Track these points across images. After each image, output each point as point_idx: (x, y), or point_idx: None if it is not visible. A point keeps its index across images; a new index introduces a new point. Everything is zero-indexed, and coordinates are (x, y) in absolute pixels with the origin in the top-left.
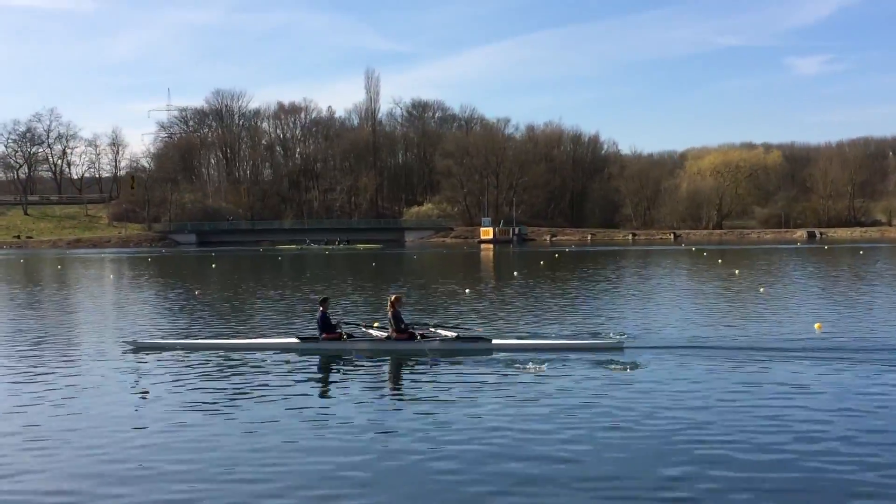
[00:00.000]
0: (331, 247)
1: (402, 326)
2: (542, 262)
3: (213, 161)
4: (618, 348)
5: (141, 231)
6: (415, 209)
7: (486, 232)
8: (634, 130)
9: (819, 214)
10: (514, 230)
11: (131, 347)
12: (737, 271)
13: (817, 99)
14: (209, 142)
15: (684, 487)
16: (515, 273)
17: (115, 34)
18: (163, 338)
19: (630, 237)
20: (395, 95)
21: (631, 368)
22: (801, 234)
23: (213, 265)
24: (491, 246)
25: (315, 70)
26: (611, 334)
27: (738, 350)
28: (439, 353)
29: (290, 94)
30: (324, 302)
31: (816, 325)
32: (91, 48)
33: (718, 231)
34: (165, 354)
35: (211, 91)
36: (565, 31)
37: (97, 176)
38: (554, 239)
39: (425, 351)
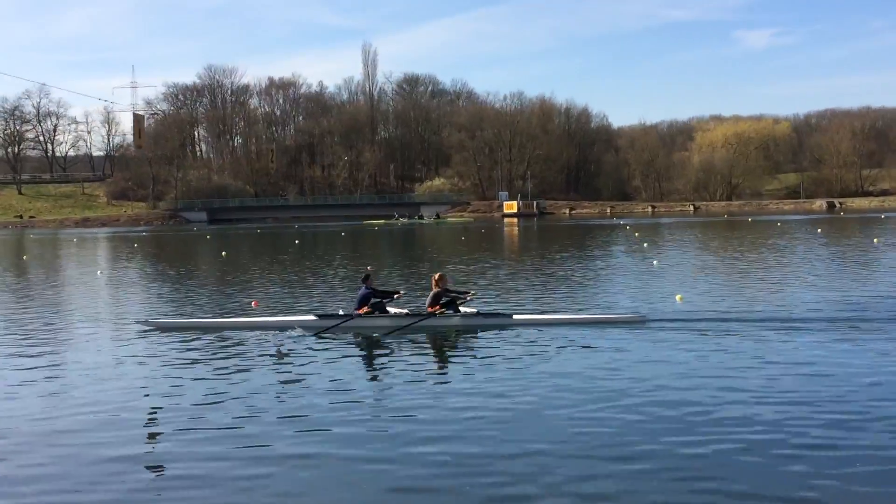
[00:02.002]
0: (423, 221)
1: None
2: (589, 235)
3: (210, 138)
4: (640, 322)
5: (146, 209)
6: (427, 184)
7: (510, 206)
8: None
9: (832, 185)
10: (538, 203)
11: (146, 327)
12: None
13: (767, 72)
14: (203, 118)
15: (714, 461)
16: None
17: (62, 10)
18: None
19: (650, 209)
20: (384, 70)
21: (654, 342)
22: (820, 204)
23: (297, 242)
24: (515, 220)
25: (269, 46)
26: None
27: (767, 322)
28: (459, 329)
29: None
30: (367, 278)
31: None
32: (37, 24)
33: (737, 202)
34: (186, 334)
35: (203, 67)
36: (518, 4)
37: (89, 154)
38: (573, 212)
39: (442, 328)
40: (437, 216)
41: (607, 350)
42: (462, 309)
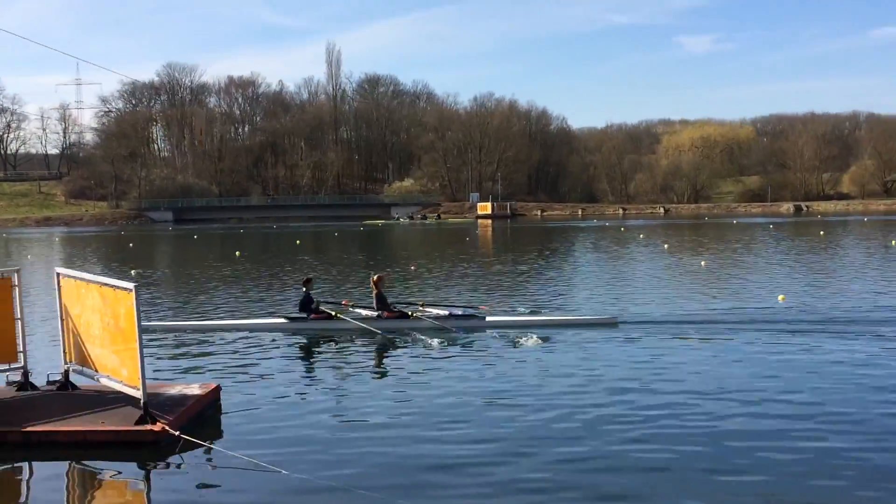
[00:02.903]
0: (425, 221)
1: (388, 305)
2: (573, 235)
3: (170, 136)
4: (612, 324)
5: (108, 209)
6: (396, 185)
7: (484, 207)
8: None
9: (796, 189)
10: (510, 205)
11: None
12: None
13: (708, 77)
14: (161, 116)
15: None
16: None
17: (5, 4)
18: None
19: (620, 212)
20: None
21: (624, 344)
22: (787, 207)
23: (298, 242)
24: (489, 221)
25: (212, 44)
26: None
27: (738, 325)
28: (432, 331)
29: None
30: (307, 282)
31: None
32: None
33: (706, 205)
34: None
35: (162, 64)
36: (460, 7)
37: (45, 152)
38: (544, 214)
39: (413, 330)
40: (439, 217)
41: (575, 350)
42: (434, 311)
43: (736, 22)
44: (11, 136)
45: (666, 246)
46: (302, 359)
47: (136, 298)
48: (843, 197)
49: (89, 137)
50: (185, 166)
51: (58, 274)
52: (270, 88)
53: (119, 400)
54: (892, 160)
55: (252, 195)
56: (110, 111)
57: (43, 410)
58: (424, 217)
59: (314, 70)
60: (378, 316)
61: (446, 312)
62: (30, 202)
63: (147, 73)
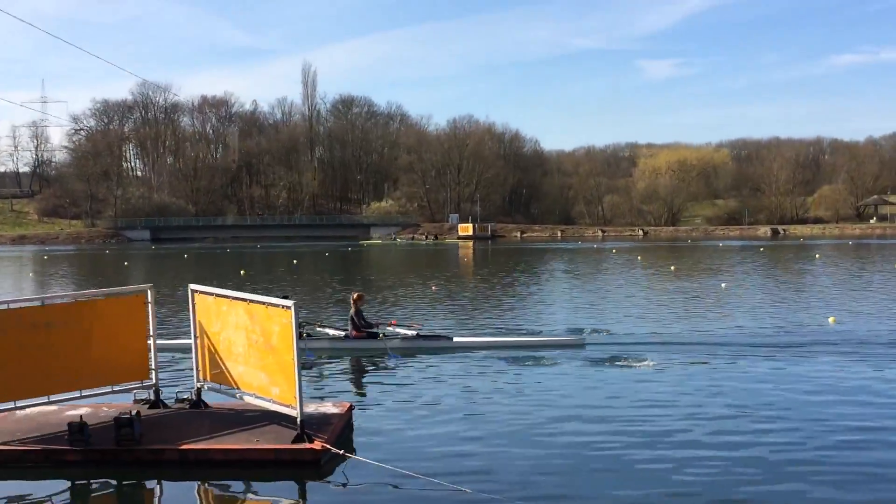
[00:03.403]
0: (423, 242)
1: (363, 324)
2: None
3: (145, 155)
4: (579, 345)
5: (83, 227)
6: (374, 205)
7: (465, 228)
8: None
9: (771, 212)
10: (490, 227)
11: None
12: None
13: (670, 101)
14: (133, 135)
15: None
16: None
17: None
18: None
19: (600, 234)
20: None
21: (593, 365)
22: (764, 230)
23: (294, 262)
24: (471, 243)
25: (172, 63)
26: (589, 331)
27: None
28: (400, 352)
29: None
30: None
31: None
32: None
33: (684, 227)
34: None
35: (136, 83)
36: (423, 28)
37: (16, 170)
38: (524, 236)
39: (385, 349)
40: (436, 237)
41: (540, 371)
42: (402, 331)
43: (696, 47)
44: None
45: (673, 268)
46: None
47: (295, 315)
48: (817, 221)
49: (61, 156)
50: (161, 185)
51: (192, 291)
52: (244, 108)
53: (260, 418)
54: (864, 185)
55: (227, 215)
56: (81, 129)
57: (188, 429)
58: (426, 237)
59: (278, 89)
60: (346, 336)
61: (414, 333)
62: (1, 220)
63: (111, 92)
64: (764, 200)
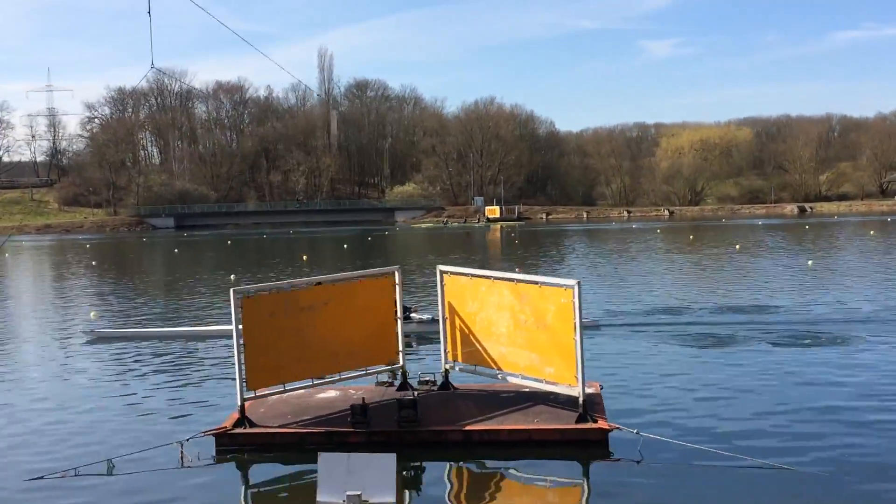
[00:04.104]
0: (476, 225)
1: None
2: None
3: (168, 142)
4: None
5: (105, 215)
6: (397, 189)
7: (493, 211)
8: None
9: (795, 190)
10: (517, 209)
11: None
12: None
13: (672, 81)
14: (150, 122)
15: None
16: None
17: None
18: None
19: (625, 214)
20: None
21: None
22: (791, 208)
23: (345, 246)
24: (499, 225)
25: (178, 50)
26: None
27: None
28: (416, 336)
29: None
30: None
31: None
32: None
33: (710, 207)
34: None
35: (151, 70)
36: (422, 13)
37: (33, 160)
38: (549, 218)
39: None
40: (488, 220)
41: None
42: (416, 316)
43: (697, 26)
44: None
45: (737, 247)
46: None
47: (578, 294)
48: (840, 198)
49: (77, 144)
50: (182, 172)
51: (441, 272)
52: (258, 94)
53: (520, 399)
54: (888, 161)
55: (248, 201)
56: (95, 117)
57: (458, 410)
58: (478, 220)
59: (281, 77)
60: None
61: (429, 317)
62: (23, 209)
63: (116, 79)
64: (786, 178)
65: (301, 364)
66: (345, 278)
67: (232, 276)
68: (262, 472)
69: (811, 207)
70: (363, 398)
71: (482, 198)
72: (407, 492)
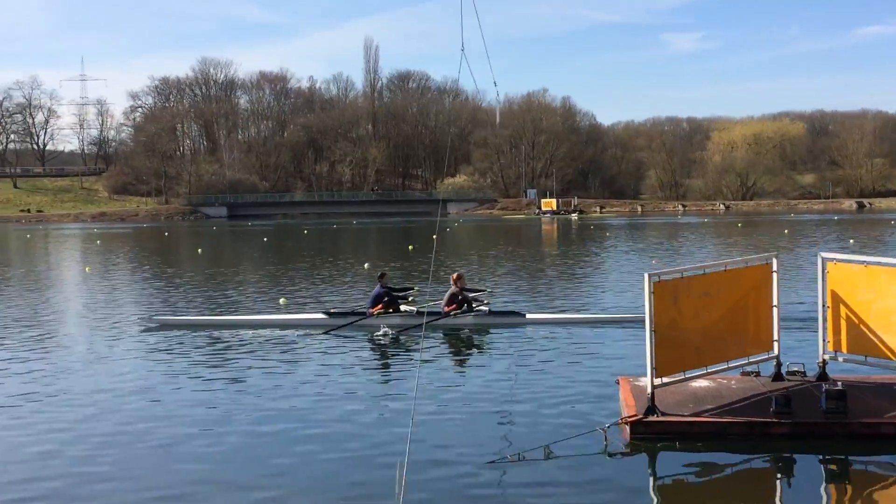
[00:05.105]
0: (572, 217)
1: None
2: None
3: (210, 132)
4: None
5: (156, 205)
6: (448, 181)
7: (549, 203)
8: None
9: (850, 185)
10: (573, 202)
11: (153, 325)
12: None
13: (696, 74)
14: (200, 112)
15: None
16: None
17: None
18: None
19: (680, 208)
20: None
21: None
22: (849, 204)
23: (434, 237)
24: (555, 217)
25: (195, 40)
26: None
27: None
28: (472, 328)
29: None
30: (382, 277)
31: None
32: None
33: (766, 201)
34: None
35: (196, 59)
36: (443, 5)
37: (81, 148)
38: (603, 211)
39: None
40: (581, 212)
41: (608, 348)
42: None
43: (720, 20)
44: (47, 132)
45: (852, 241)
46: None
47: None
48: (893, 193)
49: (125, 134)
50: (232, 162)
51: (824, 259)
52: (300, 84)
53: None
54: None
55: (296, 191)
56: (140, 106)
57: (870, 402)
58: (575, 211)
59: (325, 66)
60: (418, 312)
61: (486, 309)
62: (73, 198)
63: (138, 71)
64: (840, 173)
65: (697, 352)
66: (732, 265)
67: (366, 265)
68: (676, 460)
69: (869, 203)
70: (786, 389)
71: (535, 190)
72: (833, 486)
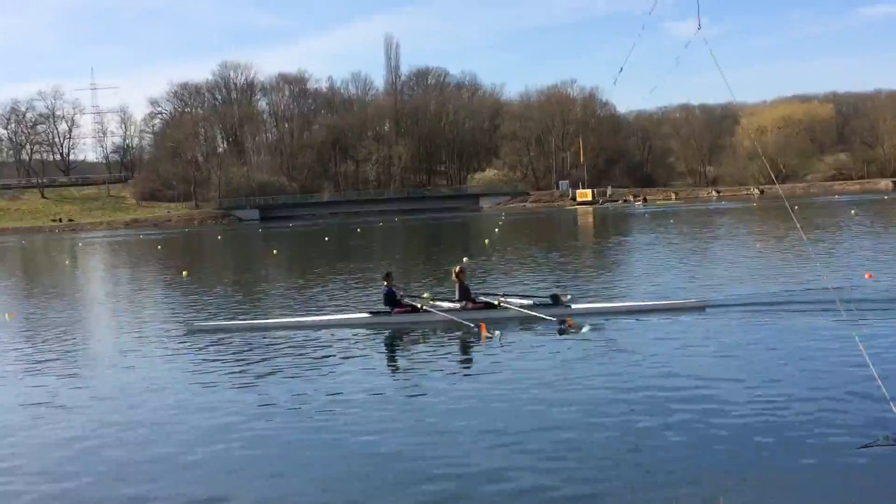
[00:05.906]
0: (636, 207)
1: (472, 296)
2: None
3: (233, 136)
4: (700, 308)
5: (189, 209)
6: (478, 176)
7: (584, 194)
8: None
9: (883, 165)
10: (608, 191)
11: (188, 330)
12: None
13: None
14: (222, 116)
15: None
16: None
17: None
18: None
19: (715, 195)
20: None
21: (712, 330)
22: (885, 183)
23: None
24: (591, 208)
25: (208, 48)
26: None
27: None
28: (518, 321)
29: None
30: (388, 277)
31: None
32: None
33: (801, 185)
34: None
35: (217, 64)
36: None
37: (105, 156)
38: (661, 200)
39: (505, 320)
40: (644, 200)
41: (662, 338)
42: (517, 301)
43: (720, 6)
44: (70, 141)
45: None
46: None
47: None
48: None
49: (147, 140)
50: (260, 164)
51: None
52: (319, 85)
53: None
54: None
55: (323, 192)
56: (160, 112)
57: None
58: (635, 199)
59: (343, 66)
60: (463, 307)
61: (530, 301)
62: (101, 206)
63: (149, 81)
64: (869, 154)
65: None
66: None
67: (465, 258)
68: None
69: None
70: None
71: (567, 182)
72: None
